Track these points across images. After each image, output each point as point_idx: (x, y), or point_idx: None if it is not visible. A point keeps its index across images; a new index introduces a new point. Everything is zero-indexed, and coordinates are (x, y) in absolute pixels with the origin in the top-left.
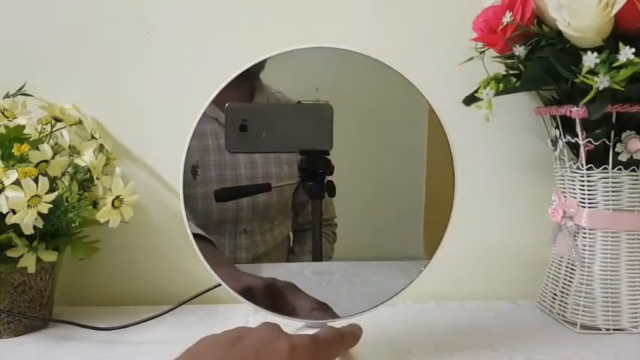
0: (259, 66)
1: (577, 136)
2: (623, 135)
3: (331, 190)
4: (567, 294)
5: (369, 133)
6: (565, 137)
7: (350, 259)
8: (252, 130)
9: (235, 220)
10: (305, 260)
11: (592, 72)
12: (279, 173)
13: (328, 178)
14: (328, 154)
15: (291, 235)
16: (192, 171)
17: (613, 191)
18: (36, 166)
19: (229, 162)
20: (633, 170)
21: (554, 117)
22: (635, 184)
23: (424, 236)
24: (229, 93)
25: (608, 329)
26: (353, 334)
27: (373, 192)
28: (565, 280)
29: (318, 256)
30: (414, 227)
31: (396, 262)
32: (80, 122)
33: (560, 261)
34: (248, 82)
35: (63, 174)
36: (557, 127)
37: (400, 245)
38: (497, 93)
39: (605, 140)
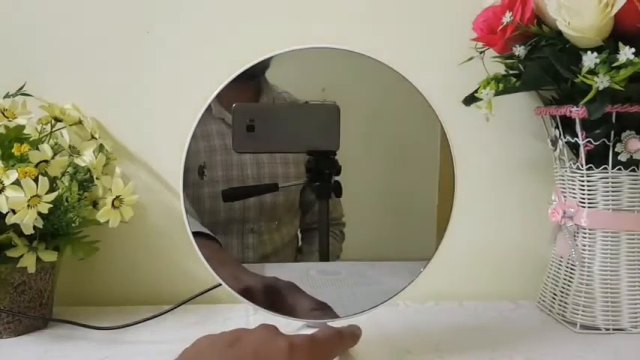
0: (264, 66)
1: (577, 136)
2: (623, 135)
3: (338, 190)
4: (567, 294)
5: (375, 134)
6: (565, 137)
7: (357, 259)
8: (259, 131)
9: (243, 220)
10: (313, 260)
11: (592, 72)
12: (286, 173)
13: (335, 178)
14: (335, 155)
15: (299, 234)
16: (199, 171)
17: (613, 191)
18: (36, 166)
19: (236, 162)
20: (633, 170)
21: (553, 117)
22: (635, 184)
23: (436, 236)
24: (236, 94)
25: (608, 329)
26: (352, 335)
27: (380, 191)
28: (565, 280)
29: (325, 256)
30: (425, 227)
31: (404, 262)
32: (80, 122)
33: (560, 261)
34: (254, 82)
35: (63, 174)
36: (556, 127)
37: (410, 245)
38: (497, 93)
39: (605, 140)
